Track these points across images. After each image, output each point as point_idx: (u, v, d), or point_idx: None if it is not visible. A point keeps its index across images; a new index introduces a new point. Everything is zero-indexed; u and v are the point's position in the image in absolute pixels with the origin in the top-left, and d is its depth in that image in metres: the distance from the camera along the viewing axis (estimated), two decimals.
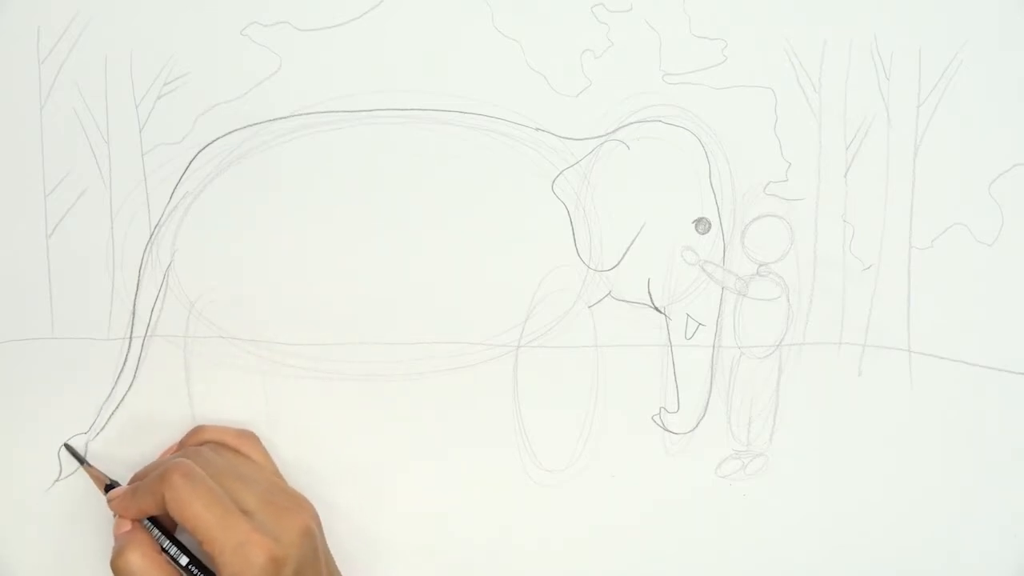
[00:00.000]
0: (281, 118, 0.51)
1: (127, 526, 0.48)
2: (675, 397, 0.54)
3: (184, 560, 0.47)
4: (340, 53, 0.51)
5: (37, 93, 0.50)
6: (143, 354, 0.51)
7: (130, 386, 0.51)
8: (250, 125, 0.51)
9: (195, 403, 0.52)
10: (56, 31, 0.49)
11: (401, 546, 0.53)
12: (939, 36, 0.52)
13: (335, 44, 0.51)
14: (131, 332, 0.51)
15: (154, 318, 0.51)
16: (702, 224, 0.53)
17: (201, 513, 0.45)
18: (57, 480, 0.52)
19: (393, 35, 0.51)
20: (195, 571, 0.46)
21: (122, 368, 0.51)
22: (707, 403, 0.54)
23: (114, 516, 0.48)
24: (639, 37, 0.52)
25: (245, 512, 0.46)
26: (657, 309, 0.53)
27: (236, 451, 0.50)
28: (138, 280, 0.51)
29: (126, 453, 0.52)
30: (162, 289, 0.51)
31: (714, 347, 0.54)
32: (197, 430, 0.51)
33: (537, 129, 0.52)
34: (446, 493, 0.54)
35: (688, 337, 0.53)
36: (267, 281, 0.52)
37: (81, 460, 0.51)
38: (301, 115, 0.51)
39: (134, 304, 0.51)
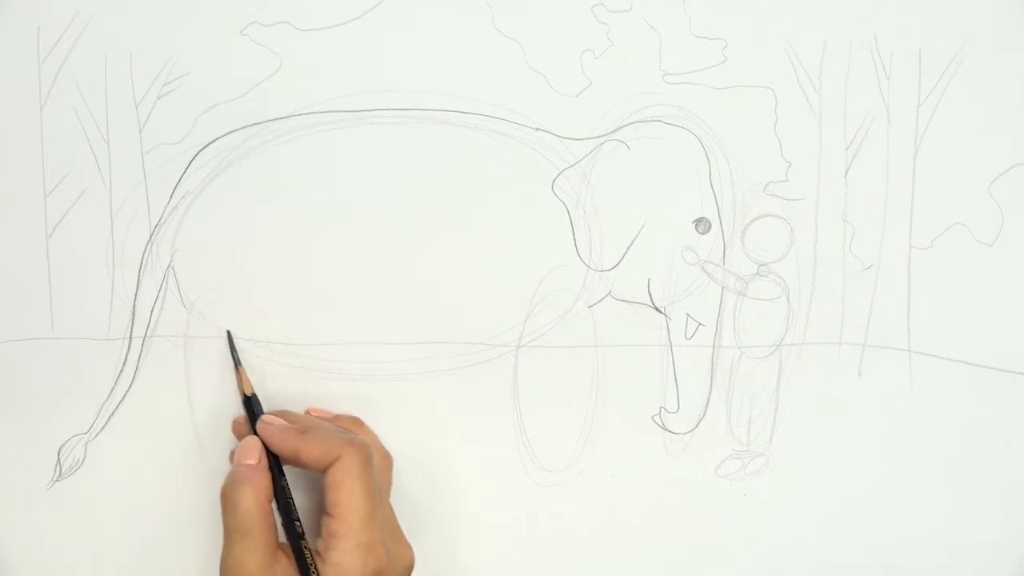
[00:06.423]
0: (281, 118, 0.51)
1: (254, 459, 0.47)
2: (675, 397, 0.54)
3: (300, 527, 0.46)
4: (340, 53, 0.51)
5: (37, 93, 0.50)
6: (143, 354, 0.51)
7: (130, 386, 0.51)
8: (250, 125, 0.51)
9: (195, 403, 0.52)
10: (56, 31, 0.49)
11: None
12: (939, 36, 0.52)
13: (335, 44, 0.51)
14: (131, 332, 0.51)
15: (154, 318, 0.51)
16: (702, 224, 0.53)
17: (359, 497, 0.45)
18: (57, 480, 0.52)
19: (393, 35, 0.51)
20: (305, 546, 0.46)
21: (122, 368, 0.51)
22: (707, 403, 0.54)
23: (239, 439, 0.49)
24: (639, 37, 0.52)
25: None
26: (657, 309, 0.53)
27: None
28: (138, 280, 0.51)
29: (126, 453, 0.52)
30: (162, 289, 0.51)
31: (714, 347, 0.54)
32: (357, 422, 0.51)
33: (537, 129, 0.52)
34: (446, 493, 0.54)
35: (688, 337, 0.53)
36: (267, 281, 0.52)
37: (237, 361, 0.51)
38: (301, 115, 0.51)
39: (134, 304, 0.51)
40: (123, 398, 0.51)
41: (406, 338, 0.52)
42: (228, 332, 0.51)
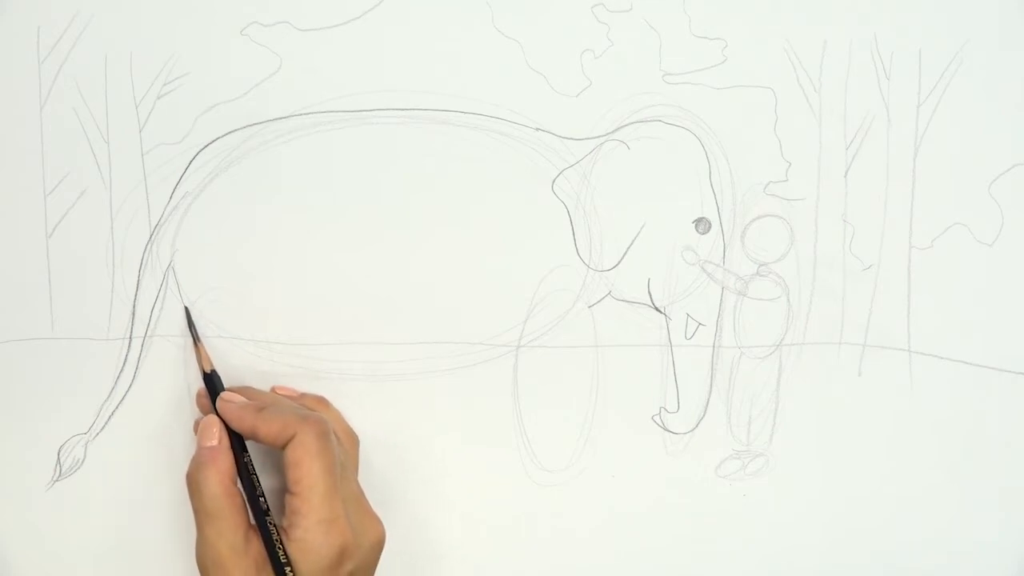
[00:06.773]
0: (281, 118, 0.51)
1: (215, 440, 0.47)
2: (675, 397, 0.54)
3: (265, 504, 0.46)
4: (340, 53, 0.51)
5: (37, 93, 0.50)
6: (143, 354, 0.51)
7: (130, 386, 0.51)
8: (250, 125, 0.51)
9: (195, 403, 0.52)
10: (56, 30, 0.49)
11: (400, 546, 0.53)
12: (939, 36, 0.52)
13: (335, 44, 0.51)
14: (131, 332, 0.51)
15: (154, 318, 0.51)
16: (702, 224, 0.53)
17: (317, 474, 0.45)
18: (57, 480, 0.52)
19: (393, 35, 0.51)
20: (270, 522, 0.45)
21: (122, 368, 0.51)
22: (707, 403, 0.54)
23: (199, 417, 0.49)
24: (639, 37, 0.52)
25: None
26: (657, 309, 0.53)
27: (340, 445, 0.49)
28: (138, 280, 0.51)
29: (126, 453, 0.52)
30: (162, 289, 0.51)
31: (714, 347, 0.54)
32: (322, 401, 0.51)
33: (537, 129, 0.52)
34: (446, 493, 0.54)
35: (688, 337, 0.53)
36: (267, 281, 0.52)
37: (196, 337, 0.50)
38: (301, 115, 0.51)
39: (134, 304, 0.51)
40: (123, 398, 0.51)
41: (406, 338, 0.52)
42: (185, 308, 0.51)
